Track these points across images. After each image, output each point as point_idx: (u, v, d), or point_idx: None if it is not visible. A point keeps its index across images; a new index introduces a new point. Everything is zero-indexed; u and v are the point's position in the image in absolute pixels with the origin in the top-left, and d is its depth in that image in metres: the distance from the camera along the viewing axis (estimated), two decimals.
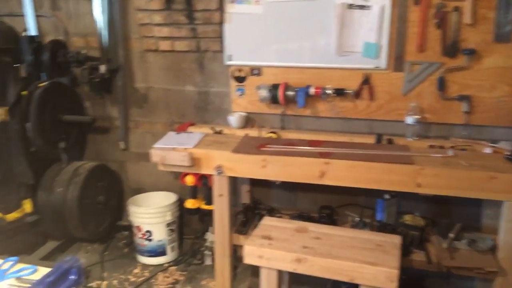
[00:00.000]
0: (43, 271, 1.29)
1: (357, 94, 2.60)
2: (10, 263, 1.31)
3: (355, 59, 2.58)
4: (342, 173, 2.23)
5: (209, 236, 2.88)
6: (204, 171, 2.47)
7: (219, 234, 2.53)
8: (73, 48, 2.98)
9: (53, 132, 2.77)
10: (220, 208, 2.49)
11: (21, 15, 3.00)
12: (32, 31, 2.99)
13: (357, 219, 2.55)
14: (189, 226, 3.15)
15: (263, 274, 1.99)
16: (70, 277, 1.20)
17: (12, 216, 2.67)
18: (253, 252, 1.96)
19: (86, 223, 2.82)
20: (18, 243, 2.79)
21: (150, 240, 2.83)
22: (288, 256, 1.90)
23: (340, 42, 2.57)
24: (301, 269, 1.89)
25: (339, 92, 2.58)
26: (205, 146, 2.51)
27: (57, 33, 3.03)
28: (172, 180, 3.09)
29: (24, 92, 2.63)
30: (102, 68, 2.84)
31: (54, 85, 2.74)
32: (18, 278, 1.24)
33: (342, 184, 2.25)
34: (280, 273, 2.00)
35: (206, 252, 2.87)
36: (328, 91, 2.58)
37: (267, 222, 2.21)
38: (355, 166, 2.19)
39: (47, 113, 2.70)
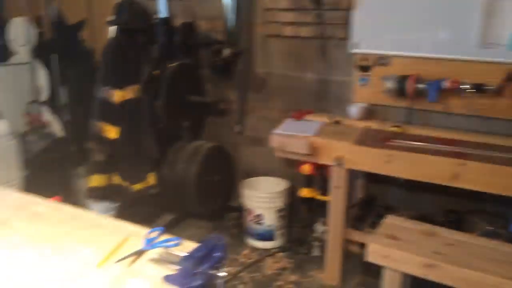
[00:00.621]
0: (186, 244, 1.33)
1: (499, 91, 2.34)
2: (157, 233, 1.36)
3: (499, 52, 2.31)
4: (479, 177, 2.03)
5: (318, 227, 2.83)
6: (323, 160, 2.42)
7: (332, 227, 2.47)
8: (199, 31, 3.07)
9: (179, 111, 2.89)
10: (336, 200, 2.42)
11: None
12: (164, 13, 3.12)
13: (489, 228, 2.32)
14: (296, 215, 3.13)
15: (387, 275, 1.88)
16: (215, 254, 1.21)
17: (137, 186, 2.85)
18: (378, 251, 1.86)
19: (203, 200, 2.92)
20: (137, 213, 2.97)
21: (260, 224, 2.86)
22: (418, 260, 1.78)
23: (484, 33, 2.33)
24: (432, 276, 1.75)
25: (478, 88, 2.35)
26: (324, 135, 2.45)
27: (185, 16, 3.14)
28: (283, 167, 3.08)
29: (155, 72, 2.77)
30: (226, 52, 2.89)
31: (183, 66, 2.85)
32: (166, 249, 1.28)
33: (478, 189, 2.06)
34: (404, 276, 1.89)
35: (315, 243, 2.82)
36: (465, 86, 2.37)
37: (391, 221, 2.10)
38: (497, 171, 1.98)
39: (175, 93, 2.83)
